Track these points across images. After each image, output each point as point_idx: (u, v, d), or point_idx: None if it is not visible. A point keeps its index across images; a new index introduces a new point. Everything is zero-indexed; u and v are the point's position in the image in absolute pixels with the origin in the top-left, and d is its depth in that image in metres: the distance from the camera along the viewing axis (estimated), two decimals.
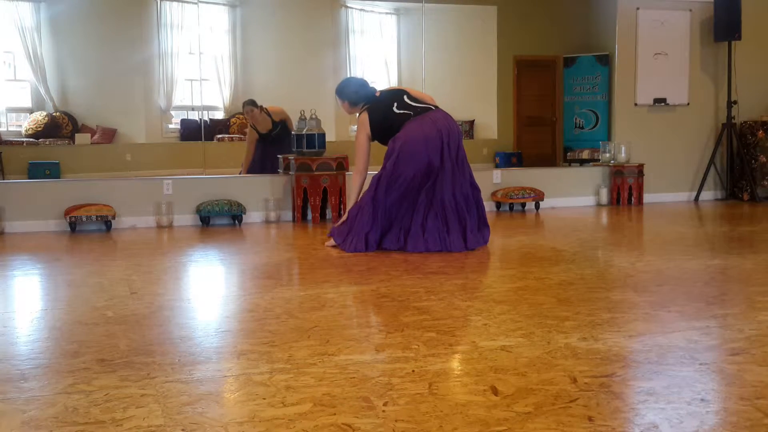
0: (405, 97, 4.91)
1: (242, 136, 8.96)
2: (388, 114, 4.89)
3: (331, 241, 5.03)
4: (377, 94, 5.00)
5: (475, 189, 4.93)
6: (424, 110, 4.86)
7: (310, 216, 6.56)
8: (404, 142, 4.77)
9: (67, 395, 2.18)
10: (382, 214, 4.80)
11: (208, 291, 3.94)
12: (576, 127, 9.06)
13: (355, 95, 4.99)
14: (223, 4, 9.21)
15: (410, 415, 2.00)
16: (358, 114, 5.03)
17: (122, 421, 1.98)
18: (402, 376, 2.30)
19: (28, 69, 8.79)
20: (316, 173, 6.45)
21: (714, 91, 8.16)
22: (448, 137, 4.78)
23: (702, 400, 2.09)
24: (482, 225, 4.95)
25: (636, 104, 7.98)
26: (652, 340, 2.68)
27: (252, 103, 7.48)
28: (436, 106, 4.94)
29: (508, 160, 9.62)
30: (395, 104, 4.89)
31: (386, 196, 4.77)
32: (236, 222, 6.43)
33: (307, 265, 4.49)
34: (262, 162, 7.41)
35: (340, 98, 5.07)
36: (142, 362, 2.48)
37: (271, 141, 7.37)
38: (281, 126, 7.39)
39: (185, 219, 6.42)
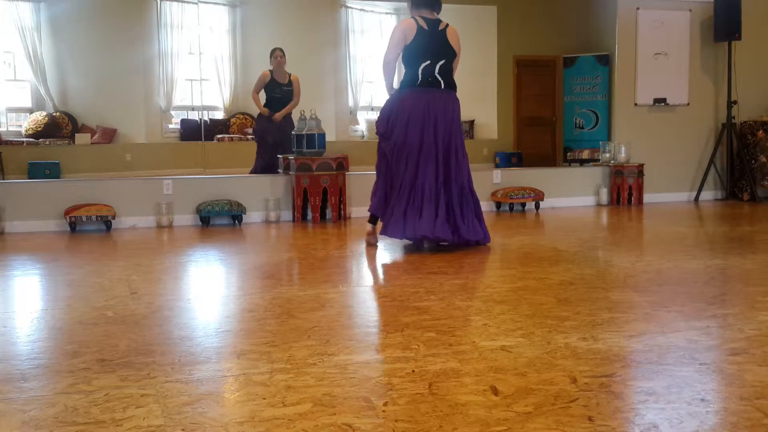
0: (438, 65, 4.74)
1: (242, 136, 8.97)
2: (415, 60, 4.76)
3: (369, 226, 4.98)
4: (441, 26, 4.79)
5: (468, 180, 4.88)
6: (432, 85, 4.77)
7: (310, 216, 6.56)
8: (397, 112, 4.77)
9: (67, 395, 2.18)
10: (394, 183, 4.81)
11: (208, 291, 3.94)
12: (576, 127, 9.06)
13: (420, 1, 4.83)
14: (223, 4, 9.22)
15: (410, 415, 2.00)
16: (411, 16, 4.85)
17: (122, 421, 1.98)
18: (402, 376, 2.30)
19: (28, 69, 8.80)
20: (316, 173, 6.45)
21: (714, 91, 8.16)
22: (435, 121, 4.72)
23: (702, 400, 2.09)
24: (479, 219, 4.90)
25: (636, 104, 7.98)
26: (652, 340, 2.68)
27: (282, 52, 7.55)
28: (450, 88, 4.82)
29: (508, 160, 9.64)
30: (425, 63, 4.74)
31: (391, 160, 4.80)
32: (236, 222, 6.43)
33: (307, 265, 4.49)
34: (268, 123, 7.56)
35: None
36: (142, 362, 2.48)
37: (278, 98, 7.50)
38: (291, 89, 7.53)
39: (185, 219, 6.42)
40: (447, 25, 4.85)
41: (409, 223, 4.69)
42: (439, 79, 4.76)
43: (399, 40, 4.75)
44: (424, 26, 4.76)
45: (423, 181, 4.71)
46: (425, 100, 4.74)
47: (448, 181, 4.77)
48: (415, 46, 4.74)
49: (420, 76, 4.74)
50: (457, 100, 4.88)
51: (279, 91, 7.51)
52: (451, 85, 4.84)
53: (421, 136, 4.72)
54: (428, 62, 4.74)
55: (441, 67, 4.76)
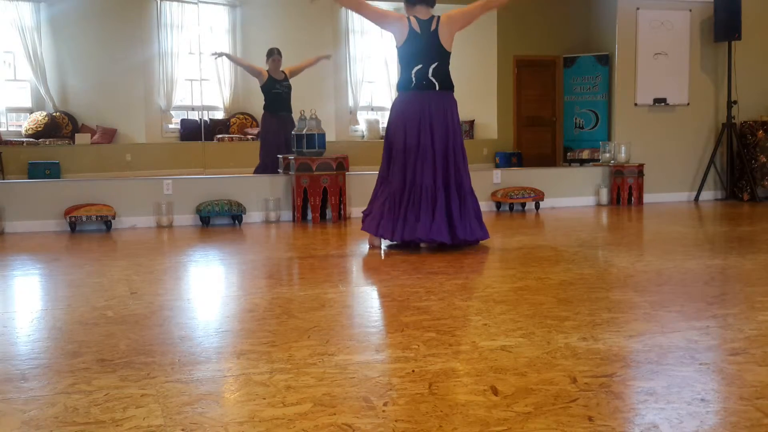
0: (431, 68, 4.74)
1: (242, 136, 8.97)
2: (408, 63, 4.78)
3: (375, 240, 4.96)
4: (433, 27, 4.76)
5: (467, 180, 4.87)
6: (427, 87, 4.76)
7: (310, 216, 6.56)
8: (395, 116, 4.82)
9: (67, 395, 2.18)
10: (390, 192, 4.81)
11: (208, 291, 3.94)
12: (576, 127, 9.06)
13: None
14: (223, 4, 9.22)
15: (410, 415, 2.00)
16: (407, 15, 4.82)
17: (122, 421, 1.98)
18: (402, 376, 2.30)
19: (28, 69, 8.79)
20: (316, 173, 6.45)
21: (714, 91, 8.16)
22: (431, 122, 4.72)
23: (702, 400, 2.09)
24: (478, 219, 4.90)
25: (636, 104, 7.98)
26: (652, 340, 2.68)
27: (279, 53, 7.70)
28: (445, 89, 4.80)
29: (508, 160, 9.62)
30: (418, 66, 4.75)
31: (390, 167, 4.83)
32: (236, 222, 6.43)
33: (307, 265, 4.49)
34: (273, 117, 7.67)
35: None
36: (142, 362, 2.48)
37: (278, 94, 7.64)
38: (289, 83, 7.66)
39: (185, 219, 6.42)
40: (439, 19, 4.79)
41: (408, 225, 4.70)
42: (434, 80, 4.76)
43: (386, 17, 4.91)
44: (417, 29, 4.76)
45: (421, 183, 4.72)
46: (420, 103, 4.75)
47: (446, 182, 4.77)
48: (407, 50, 4.77)
49: (414, 79, 4.77)
50: (454, 100, 4.87)
51: (278, 86, 7.62)
52: (447, 86, 4.83)
53: (417, 139, 4.73)
54: (420, 66, 4.76)
55: (434, 69, 4.76)
